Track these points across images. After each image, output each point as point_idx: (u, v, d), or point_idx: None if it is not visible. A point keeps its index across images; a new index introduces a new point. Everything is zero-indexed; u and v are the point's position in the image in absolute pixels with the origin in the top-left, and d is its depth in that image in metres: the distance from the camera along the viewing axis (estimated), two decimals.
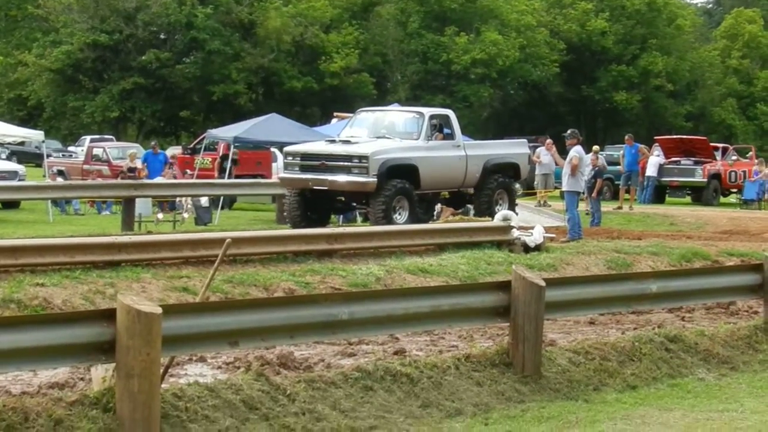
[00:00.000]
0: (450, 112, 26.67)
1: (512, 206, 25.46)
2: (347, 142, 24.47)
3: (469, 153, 25.44)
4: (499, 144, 28.75)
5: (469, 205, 26.32)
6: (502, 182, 25.83)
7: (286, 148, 25.82)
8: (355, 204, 25.23)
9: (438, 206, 27.40)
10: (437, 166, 24.58)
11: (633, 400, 10.73)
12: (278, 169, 32.10)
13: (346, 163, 23.61)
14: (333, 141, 25.18)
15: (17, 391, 10.24)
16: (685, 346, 12.47)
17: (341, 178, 23.46)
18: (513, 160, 26.49)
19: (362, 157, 23.43)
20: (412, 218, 23.57)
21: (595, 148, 30.35)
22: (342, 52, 68.48)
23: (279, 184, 26.08)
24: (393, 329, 11.42)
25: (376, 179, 23.23)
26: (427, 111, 26.04)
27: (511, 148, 27.27)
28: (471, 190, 25.99)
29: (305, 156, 24.41)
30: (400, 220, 23.25)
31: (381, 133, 25.07)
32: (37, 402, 8.52)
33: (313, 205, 24.51)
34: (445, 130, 25.38)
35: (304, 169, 24.21)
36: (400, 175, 23.72)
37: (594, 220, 27.59)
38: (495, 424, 9.70)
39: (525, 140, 29.31)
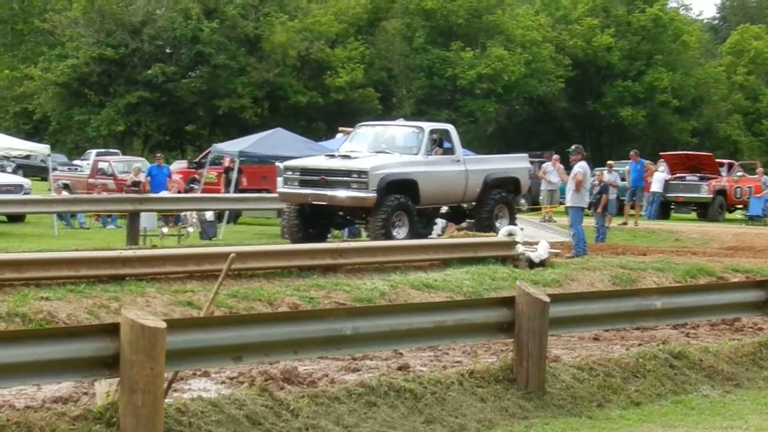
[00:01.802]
0: (450, 127, 26.61)
1: (512, 221, 25.40)
2: (347, 157, 24.40)
3: (469, 168, 25.37)
4: (499, 158, 28.67)
5: (470, 220, 26.26)
6: (502, 197, 25.75)
7: (286, 163, 25.71)
8: (354, 219, 25.17)
9: (443, 222, 27.38)
10: (437, 180, 24.51)
11: (637, 416, 10.72)
12: None
13: (345, 178, 23.55)
14: (332, 156, 25.11)
15: (21, 406, 10.24)
16: (689, 362, 12.46)
17: (341, 193, 23.42)
18: (513, 175, 26.41)
19: (362, 172, 23.37)
20: (412, 233, 23.49)
21: (610, 162, 30.27)
22: (347, 66, 68.50)
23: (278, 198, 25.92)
24: (397, 345, 11.42)
25: (375, 194, 23.16)
26: (427, 125, 25.97)
27: (512, 163, 27.17)
28: (472, 205, 25.92)
29: (304, 171, 24.36)
30: (400, 236, 23.15)
31: (381, 147, 25.01)
32: (41, 416, 8.51)
33: (313, 220, 24.46)
34: (446, 145, 25.32)
35: (303, 183, 24.17)
36: (400, 190, 23.65)
37: (599, 235, 27.59)
38: None
39: (526, 155, 29.18)
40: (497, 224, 24.85)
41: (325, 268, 19.13)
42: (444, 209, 26.45)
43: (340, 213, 24.70)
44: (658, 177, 40.31)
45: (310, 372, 12.17)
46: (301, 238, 23.76)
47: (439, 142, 25.26)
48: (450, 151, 25.31)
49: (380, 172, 23.44)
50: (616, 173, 32.44)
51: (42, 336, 8.68)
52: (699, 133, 78.72)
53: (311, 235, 24.07)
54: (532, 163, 33.71)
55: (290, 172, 24.68)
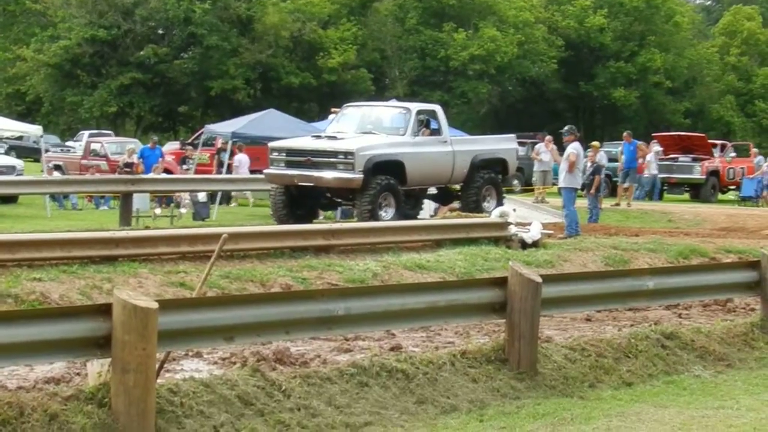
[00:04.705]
0: (437, 108, 26.46)
1: (500, 202, 25.31)
2: (333, 137, 24.22)
3: (456, 149, 25.24)
4: (486, 139, 28.53)
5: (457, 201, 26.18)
6: (489, 178, 25.64)
7: (271, 144, 25.42)
8: (341, 200, 25.07)
9: (434, 205, 27.35)
10: (424, 161, 24.38)
11: (628, 397, 10.74)
12: None
13: (331, 159, 23.39)
14: (319, 137, 24.98)
15: (13, 386, 10.25)
16: (681, 343, 12.48)
17: (327, 174, 23.27)
18: (501, 156, 26.27)
19: (348, 153, 23.23)
20: (399, 215, 23.35)
21: (595, 144, 30.36)
22: (340, 47, 68.40)
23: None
24: (389, 325, 11.44)
25: (362, 175, 23.01)
26: (414, 106, 25.82)
27: (499, 144, 27.04)
28: (459, 186, 25.86)
29: (290, 152, 24.20)
30: (386, 217, 23.00)
31: (367, 128, 24.86)
32: (33, 397, 8.51)
33: (299, 201, 24.35)
34: (433, 126, 25.19)
35: (289, 164, 24.02)
36: (387, 171, 23.48)
37: (592, 216, 27.60)
38: (490, 421, 9.70)
39: (513, 135, 29.06)
40: (485, 205, 24.83)
41: (317, 249, 19.12)
42: (432, 190, 26.39)
43: (327, 194, 24.60)
44: (650, 158, 40.20)
45: (302, 352, 12.19)
46: (288, 219, 23.67)
47: (427, 123, 25.11)
48: (437, 132, 25.16)
49: (367, 153, 23.31)
50: (603, 153, 32.31)
51: (34, 316, 8.67)
52: (692, 114, 78.74)
53: (298, 216, 23.97)
54: (524, 144, 33.66)
55: (276, 153, 24.49)
